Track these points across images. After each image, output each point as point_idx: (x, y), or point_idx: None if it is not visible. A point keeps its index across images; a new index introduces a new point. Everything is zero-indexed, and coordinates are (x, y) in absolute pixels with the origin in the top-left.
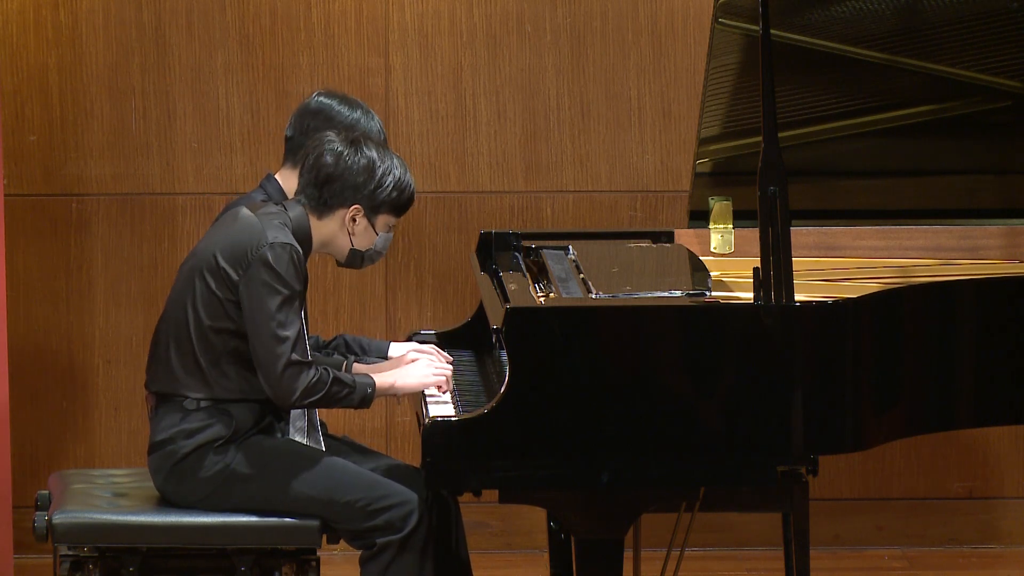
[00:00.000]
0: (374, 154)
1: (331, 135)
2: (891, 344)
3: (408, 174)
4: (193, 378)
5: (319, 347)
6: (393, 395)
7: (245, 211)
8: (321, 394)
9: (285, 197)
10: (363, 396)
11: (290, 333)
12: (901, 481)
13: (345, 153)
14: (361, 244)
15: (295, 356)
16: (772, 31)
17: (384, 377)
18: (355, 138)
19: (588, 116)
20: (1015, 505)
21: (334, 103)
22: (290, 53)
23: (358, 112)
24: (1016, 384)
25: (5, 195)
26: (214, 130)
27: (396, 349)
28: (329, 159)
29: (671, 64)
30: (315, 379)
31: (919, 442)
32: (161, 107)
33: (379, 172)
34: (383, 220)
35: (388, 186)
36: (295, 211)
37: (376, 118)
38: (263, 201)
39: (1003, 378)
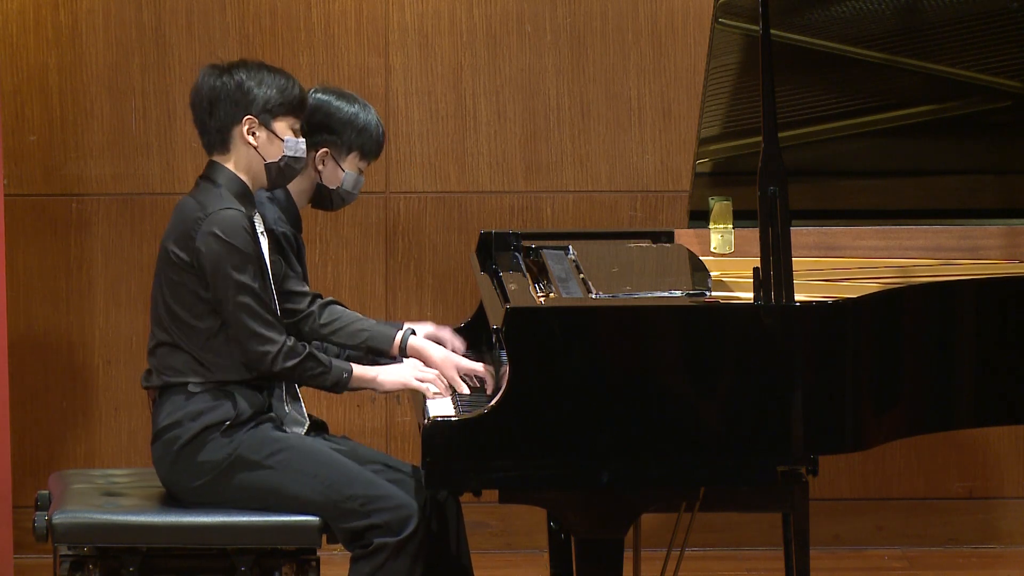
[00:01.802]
0: (243, 71)
1: (200, 74)
2: (891, 344)
3: (288, 76)
4: (191, 367)
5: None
6: (372, 388)
7: (183, 199)
8: (295, 361)
9: (289, 195)
10: (337, 380)
11: (252, 296)
12: (901, 481)
13: (213, 80)
14: (271, 155)
15: (264, 318)
16: (772, 31)
17: (367, 369)
18: (221, 65)
19: (588, 116)
20: (1015, 505)
21: (332, 98)
22: (290, 53)
23: (356, 106)
24: (1016, 384)
25: (5, 195)
26: None
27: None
28: (204, 94)
29: (671, 64)
30: (286, 347)
31: (919, 442)
32: (161, 107)
33: (252, 83)
34: (282, 125)
35: (268, 90)
36: (217, 172)
37: (373, 111)
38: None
39: (1003, 378)
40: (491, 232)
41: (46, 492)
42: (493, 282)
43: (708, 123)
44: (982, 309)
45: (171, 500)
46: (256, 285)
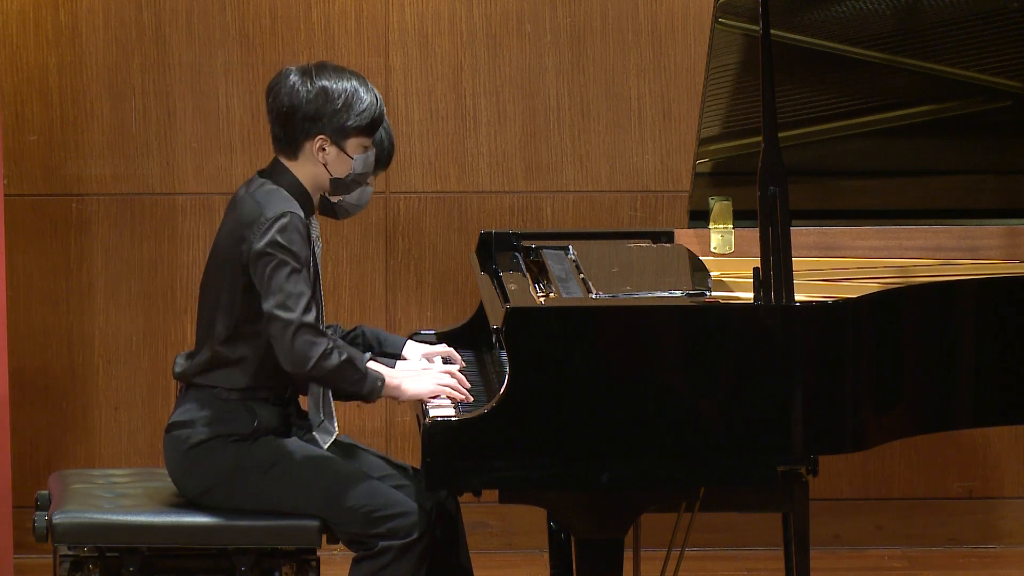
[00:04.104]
0: (326, 82)
1: (286, 71)
2: (891, 344)
3: (370, 92)
4: (223, 373)
5: (338, 336)
6: (396, 397)
7: (242, 193)
8: (333, 367)
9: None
10: (372, 388)
11: (301, 302)
12: (901, 481)
13: (297, 85)
14: (339, 172)
15: (307, 320)
16: (772, 31)
17: (393, 377)
18: (307, 68)
19: (588, 116)
20: (1015, 505)
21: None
22: (290, 53)
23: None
24: (1016, 384)
25: (5, 195)
26: (214, 130)
27: (411, 349)
28: (284, 96)
29: (671, 64)
30: (330, 349)
31: (919, 442)
32: (161, 107)
33: (333, 97)
34: (354, 144)
35: (347, 109)
36: (279, 172)
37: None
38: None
39: (1003, 378)
40: (491, 232)
41: (46, 492)
42: (493, 282)
43: (708, 123)
44: (982, 309)
45: (171, 500)
46: (306, 290)
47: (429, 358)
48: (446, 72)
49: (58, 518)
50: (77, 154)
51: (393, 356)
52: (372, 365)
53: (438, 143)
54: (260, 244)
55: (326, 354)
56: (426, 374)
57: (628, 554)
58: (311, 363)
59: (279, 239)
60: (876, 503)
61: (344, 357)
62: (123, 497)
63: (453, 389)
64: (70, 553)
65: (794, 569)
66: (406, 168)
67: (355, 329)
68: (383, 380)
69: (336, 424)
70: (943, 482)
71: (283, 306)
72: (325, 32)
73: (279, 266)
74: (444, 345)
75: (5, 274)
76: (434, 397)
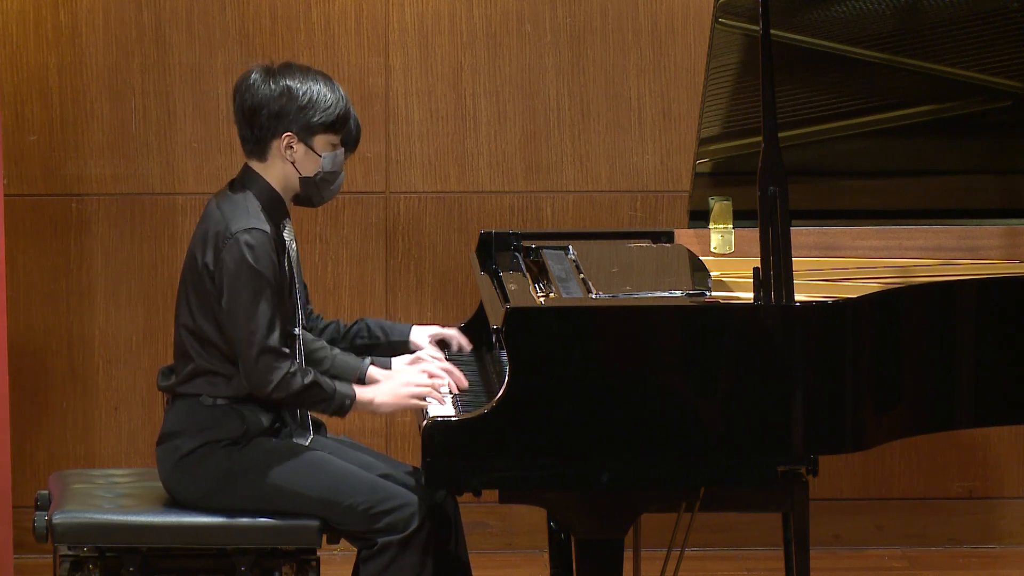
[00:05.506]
0: (290, 80)
1: (249, 71)
2: (891, 344)
3: (335, 90)
4: (207, 380)
5: (339, 333)
6: (372, 412)
7: (211, 205)
8: (295, 390)
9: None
10: (339, 406)
11: (263, 324)
12: (901, 481)
13: (260, 84)
14: (307, 170)
15: (269, 344)
16: (772, 31)
17: (364, 392)
18: (271, 68)
19: (588, 116)
20: (1015, 505)
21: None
22: (290, 53)
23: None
24: (1016, 384)
25: (5, 195)
26: (214, 130)
27: (417, 333)
28: (248, 96)
29: (671, 64)
30: (292, 372)
31: (919, 442)
32: (161, 107)
33: (299, 94)
34: (321, 141)
35: (311, 106)
36: (250, 178)
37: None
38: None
39: (1003, 378)
40: (491, 232)
41: (46, 492)
42: (493, 282)
43: (708, 123)
44: (982, 309)
45: (171, 500)
46: (269, 311)
47: (442, 340)
48: (446, 72)
49: (58, 518)
50: (77, 154)
51: (400, 343)
52: (372, 371)
53: (438, 143)
54: (224, 263)
55: (288, 377)
56: (391, 384)
57: (628, 554)
58: (271, 387)
59: (244, 257)
60: (876, 503)
61: (308, 380)
62: (123, 497)
63: (431, 387)
64: (70, 553)
65: (794, 569)
66: (406, 168)
67: (358, 322)
68: (352, 398)
69: (310, 418)
70: (943, 482)
71: (245, 329)
72: (325, 32)
73: (242, 287)
74: (455, 330)
75: (5, 274)
76: (419, 399)
